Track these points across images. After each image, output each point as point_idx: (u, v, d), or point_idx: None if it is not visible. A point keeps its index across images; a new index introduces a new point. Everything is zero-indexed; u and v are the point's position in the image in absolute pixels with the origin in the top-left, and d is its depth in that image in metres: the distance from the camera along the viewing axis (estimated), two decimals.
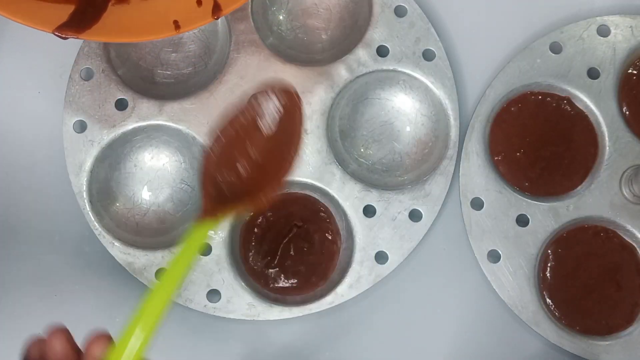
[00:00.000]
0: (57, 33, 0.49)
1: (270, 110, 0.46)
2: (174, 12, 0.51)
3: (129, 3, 0.52)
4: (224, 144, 0.45)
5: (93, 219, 0.57)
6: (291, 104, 0.46)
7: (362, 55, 0.59)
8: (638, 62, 0.60)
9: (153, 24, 0.51)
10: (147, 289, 0.42)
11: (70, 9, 0.50)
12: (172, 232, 0.58)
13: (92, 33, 0.50)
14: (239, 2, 0.51)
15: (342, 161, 0.58)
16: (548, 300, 0.57)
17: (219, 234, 0.57)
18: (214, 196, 0.44)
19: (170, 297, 0.38)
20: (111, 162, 0.58)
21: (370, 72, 0.59)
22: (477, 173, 0.58)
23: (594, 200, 0.57)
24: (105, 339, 0.36)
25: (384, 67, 0.59)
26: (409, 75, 0.59)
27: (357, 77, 0.59)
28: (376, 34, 0.59)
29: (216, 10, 0.51)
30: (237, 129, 0.46)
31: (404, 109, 0.60)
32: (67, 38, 0.49)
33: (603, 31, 0.60)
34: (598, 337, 0.56)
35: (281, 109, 0.46)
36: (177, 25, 0.50)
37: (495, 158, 0.59)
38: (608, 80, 0.59)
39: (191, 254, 0.41)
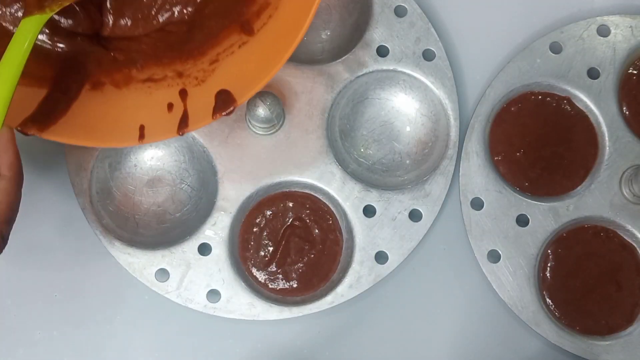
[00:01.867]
0: (20, 129, 0.46)
1: None
2: (143, 114, 0.49)
3: (102, 92, 0.49)
4: None
5: (93, 219, 0.57)
6: None
7: (362, 55, 0.59)
8: (638, 62, 0.60)
9: (118, 124, 0.49)
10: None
11: (41, 94, 0.47)
12: (172, 232, 0.58)
13: (55, 131, 0.47)
14: (206, 121, 0.49)
15: (342, 161, 0.58)
16: (548, 300, 0.57)
17: (219, 234, 0.57)
18: None
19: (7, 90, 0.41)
20: (111, 162, 0.58)
21: (370, 72, 0.59)
22: (477, 173, 0.58)
23: (594, 200, 0.57)
24: None
25: (384, 67, 0.59)
26: (409, 75, 0.59)
27: (357, 77, 0.59)
28: (376, 34, 0.59)
29: (183, 124, 0.49)
30: None
31: (404, 109, 0.60)
32: (29, 135, 0.47)
33: (603, 31, 0.60)
34: (598, 337, 0.56)
35: None
36: (142, 133, 0.48)
37: (495, 158, 0.59)
38: (608, 80, 0.59)
39: (19, 52, 0.42)
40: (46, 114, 0.47)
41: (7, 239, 0.39)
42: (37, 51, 0.46)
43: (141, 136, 0.49)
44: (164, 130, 0.49)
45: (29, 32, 0.42)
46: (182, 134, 0.49)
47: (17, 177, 0.39)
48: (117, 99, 0.50)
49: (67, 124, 0.48)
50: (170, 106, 0.49)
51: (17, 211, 0.40)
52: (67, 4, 0.43)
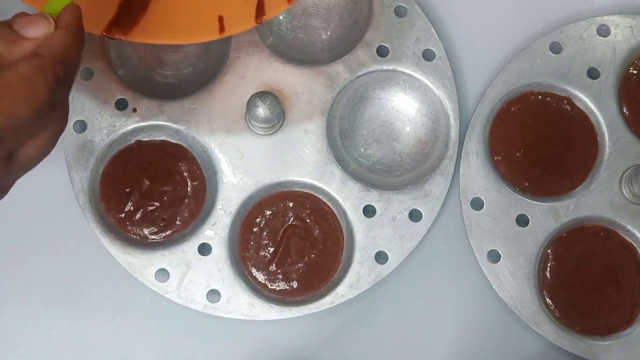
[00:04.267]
0: (105, 34, 0.48)
1: None
2: (219, 5, 0.50)
3: None
4: None
5: (93, 219, 0.57)
6: None
7: (362, 55, 0.59)
8: (638, 62, 0.60)
9: (197, 20, 0.50)
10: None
11: (115, 2, 0.49)
12: (174, 234, 0.58)
13: (138, 33, 0.49)
14: (282, 6, 0.50)
15: (342, 161, 0.58)
16: (548, 300, 0.57)
17: (219, 234, 0.57)
18: None
19: None
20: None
21: (370, 72, 0.59)
22: (477, 173, 0.58)
23: (594, 200, 0.57)
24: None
25: (384, 67, 0.59)
26: (409, 75, 0.59)
27: (357, 77, 0.59)
28: (376, 34, 0.59)
29: (260, 12, 0.50)
30: None
31: (404, 109, 0.60)
32: (115, 39, 0.49)
33: (603, 31, 0.60)
34: (598, 337, 0.56)
35: None
36: (221, 25, 0.50)
37: (495, 158, 0.59)
38: (608, 80, 0.59)
39: None
40: (126, 17, 0.49)
41: (67, 90, 0.39)
42: None
43: (221, 28, 0.50)
44: (242, 20, 0.50)
45: None
46: (260, 22, 0.50)
47: (77, 31, 0.40)
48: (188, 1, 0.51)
49: (148, 25, 0.50)
50: None
51: (77, 65, 0.40)
52: None
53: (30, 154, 0.39)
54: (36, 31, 0.39)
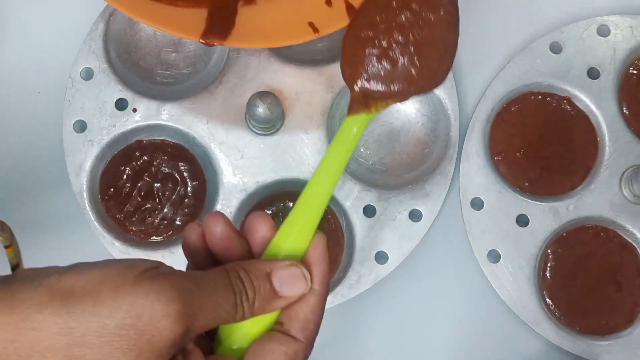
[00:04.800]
0: (203, 41, 0.48)
1: None
2: (306, 13, 0.50)
3: (257, 4, 0.51)
4: (375, 10, 0.39)
5: (93, 219, 0.57)
6: None
7: None
8: (638, 62, 0.60)
9: (289, 25, 0.50)
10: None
11: (203, 13, 0.49)
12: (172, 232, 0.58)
13: (234, 39, 0.49)
14: None
15: None
16: (548, 300, 0.57)
17: None
18: (363, 76, 0.39)
19: (329, 188, 0.36)
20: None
21: None
22: (477, 173, 0.58)
23: (594, 200, 0.57)
24: (267, 217, 0.35)
25: None
26: None
27: None
28: None
29: (351, 10, 0.47)
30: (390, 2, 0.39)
31: (403, 109, 0.60)
32: (213, 45, 0.49)
33: (603, 31, 0.60)
34: (598, 337, 0.56)
35: None
36: (314, 28, 0.50)
37: (495, 158, 0.59)
38: (608, 80, 0.59)
39: (343, 150, 0.37)
40: (219, 27, 0.49)
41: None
42: None
43: (315, 30, 0.50)
44: (334, 21, 0.50)
45: (352, 129, 0.37)
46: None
47: (326, 294, 0.35)
48: (275, 8, 0.51)
49: (241, 33, 0.50)
50: (328, 2, 0.50)
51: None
52: (393, 103, 0.38)
53: None
54: (293, 290, 0.34)
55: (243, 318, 0.33)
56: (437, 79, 0.38)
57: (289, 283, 0.34)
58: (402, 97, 0.38)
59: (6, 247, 0.44)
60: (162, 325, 0.29)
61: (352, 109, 0.38)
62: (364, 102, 0.38)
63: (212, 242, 0.35)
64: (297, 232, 0.35)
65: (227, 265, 0.33)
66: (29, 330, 0.28)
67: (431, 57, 0.39)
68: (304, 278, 0.34)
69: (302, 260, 0.35)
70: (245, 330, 0.34)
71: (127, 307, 0.29)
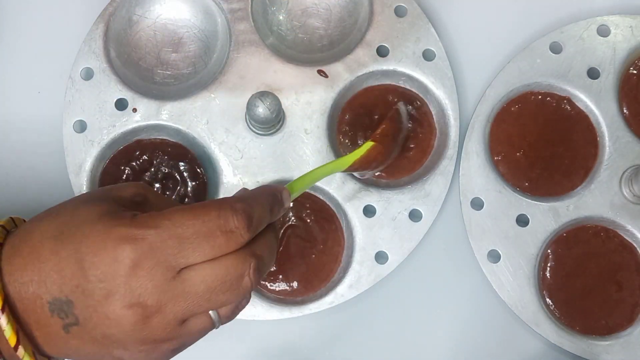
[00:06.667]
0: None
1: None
2: None
3: None
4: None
5: None
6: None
7: (362, 55, 0.59)
8: (638, 62, 0.60)
9: None
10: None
11: None
12: None
13: None
14: None
15: None
16: (548, 300, 0.57)
17: None
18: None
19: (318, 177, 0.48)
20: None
21: (370, 72, 0.59)
22: (477, 173, 0.58)
23: (594, 200, 0.57)
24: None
25: (384, 67, 0.59)
26: (409, 75, 0.59)
27: (357, 77, 0.59)
28: (376, 34, 0.59)
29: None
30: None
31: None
32: None
33: (603, 31, 0.60)
34: (598, 337, 0.56)
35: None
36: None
37: (495, 158, 0.59)
38: (608, 80, 0.59)
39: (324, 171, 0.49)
40: None
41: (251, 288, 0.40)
42: None
43: None
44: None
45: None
46: None
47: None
48: None
49: None
50: None
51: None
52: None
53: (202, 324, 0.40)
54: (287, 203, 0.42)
55: None
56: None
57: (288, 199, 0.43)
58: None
59: None
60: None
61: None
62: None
63: None
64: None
65: None
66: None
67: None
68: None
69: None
70: None
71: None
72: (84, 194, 0.42)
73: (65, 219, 0.38)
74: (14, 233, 0.39)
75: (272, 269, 0.57)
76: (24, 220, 0.42)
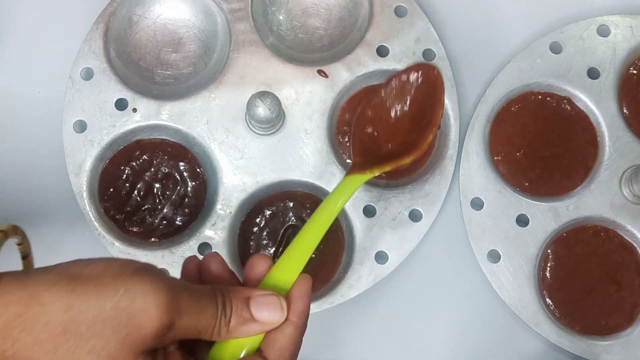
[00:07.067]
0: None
1: (412, 84, 0.47)
2: None
3: None
4: (372, 108, 0.48)
5: (93, 219, 0.57)
6: (432, 78, 0.46)
7: (362, 55, 0.59)
8: (638, 62, 0.60)
9: None
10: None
11: None
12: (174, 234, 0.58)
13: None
14: None
15: (342, 161, 0.58)
16: (548, 300, 0.57)
17: (218, 234, 0.57)
18: (362, 152, 0.47)
19: (319, 236, 0.41)
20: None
21: (370, 72, 0.59)
22: (477, 173, 0.58)
23: (594, 200, 0.57)
24: (267, 258, 0.40)
25: (384, 67, 0.59)
26: None
27: (357, 77, 0.59)
28: (376, 34, 0.59)
29: None
30: (384, 98, 0.48)
31: None
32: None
33: (603, 31, 0.60)
34: (598, 337, 0.56)
35: (421, 82, 0.47)
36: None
37: (495, 158, 0.59)
38: (608, 80, 0.59)
39: (339, 201, 0.42)
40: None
41: None
42: None
43: None
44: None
45: (348, 189, 0.43)
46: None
47: (303, 327, 0.39)
48: None
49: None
50: None
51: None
52: (388, 170, 0.44)
53: None
54: (269, 317, 0.37)
55: (220, 334, 0.36)
56: (417, 149, 0.44)
57: (265, 309, 0.37)
58: (392, 166, 0.44)
59: (23, 258, 0.47)
60: (151, 312, 0.33)
61: (351, 171, 0.44)
62: (361, 167, 0.44)
63: (206, 276, 0.39)
64: (285, 271, 0.39)
65: (214, 285, 0.37)
66: (36, 305, 0.32)
67: (414, 132, 0.45)
68: (281, 307, 0.37)
69: (287, 295, 0.38)
70: (231, 352, 0.37)
71: (124, 291, 0.33)
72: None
73: None
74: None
75: None
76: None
